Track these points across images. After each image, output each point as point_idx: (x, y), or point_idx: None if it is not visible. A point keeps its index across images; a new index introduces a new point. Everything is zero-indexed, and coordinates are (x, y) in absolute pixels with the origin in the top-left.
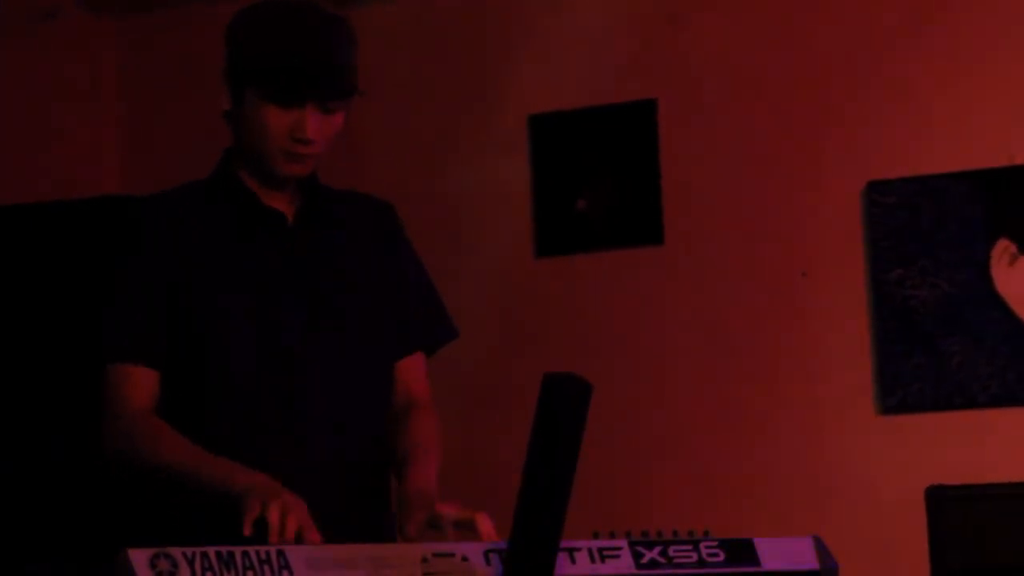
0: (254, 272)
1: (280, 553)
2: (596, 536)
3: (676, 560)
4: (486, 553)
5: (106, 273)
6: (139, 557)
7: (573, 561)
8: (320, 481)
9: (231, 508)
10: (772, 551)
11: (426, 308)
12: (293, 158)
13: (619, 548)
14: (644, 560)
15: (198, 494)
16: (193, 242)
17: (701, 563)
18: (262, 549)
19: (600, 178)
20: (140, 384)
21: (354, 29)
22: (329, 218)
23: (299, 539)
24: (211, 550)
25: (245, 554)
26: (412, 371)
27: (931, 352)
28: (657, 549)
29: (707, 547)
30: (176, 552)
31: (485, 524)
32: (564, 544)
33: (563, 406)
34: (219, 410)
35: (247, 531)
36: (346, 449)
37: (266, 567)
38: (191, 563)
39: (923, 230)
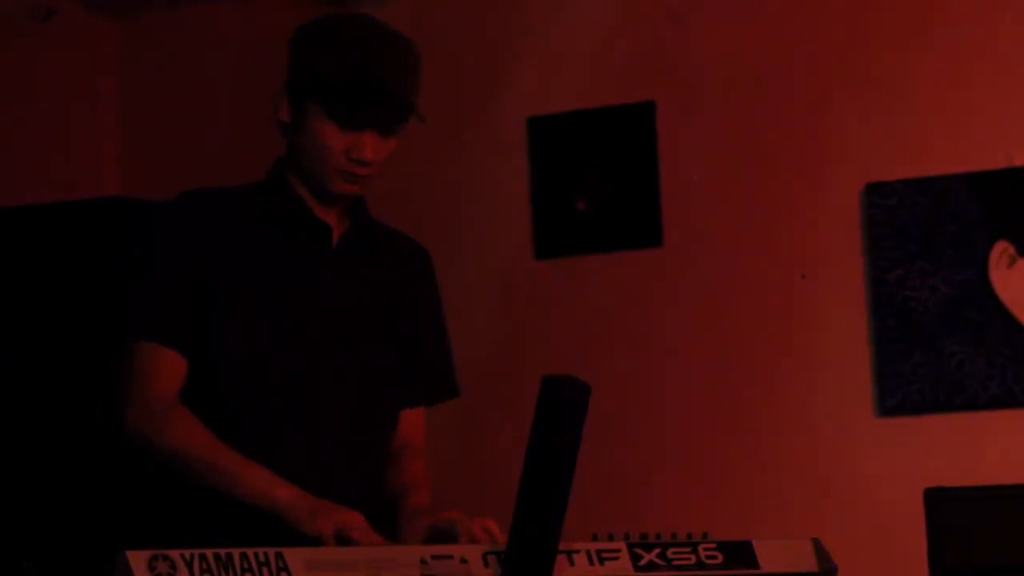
0: (286, 281)
1: (279, 555)
2: (595, 538)
3: (675, 562)
4: (484, 555)
5: (136, 254)
6: (137, 558)
7: (572, 563)
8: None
9: (272, 520)
10: (771, 553)
11: (437, 367)
12: (347, 177)
13: (618, 550)
14: (643, 562)
15: (226, 497)
16: (231, 241)
17: (700, 565)
18: (260, 551)
19: (599, 180)
20: (168, 367)
21: (419, 51)
22: (371, 250)
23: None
24: (209, 552)
25: (243, 556)
26: (412, 420)
27: (931, 353)
28: (656, 551)
29: (706, 549)
30: (174, 554)
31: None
32: (563, 546)
33: (562, 408)
34: (228, 412)
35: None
36: (346, 463)
37: (264, 569)
38: (189, 565)
39: (922, 231)
